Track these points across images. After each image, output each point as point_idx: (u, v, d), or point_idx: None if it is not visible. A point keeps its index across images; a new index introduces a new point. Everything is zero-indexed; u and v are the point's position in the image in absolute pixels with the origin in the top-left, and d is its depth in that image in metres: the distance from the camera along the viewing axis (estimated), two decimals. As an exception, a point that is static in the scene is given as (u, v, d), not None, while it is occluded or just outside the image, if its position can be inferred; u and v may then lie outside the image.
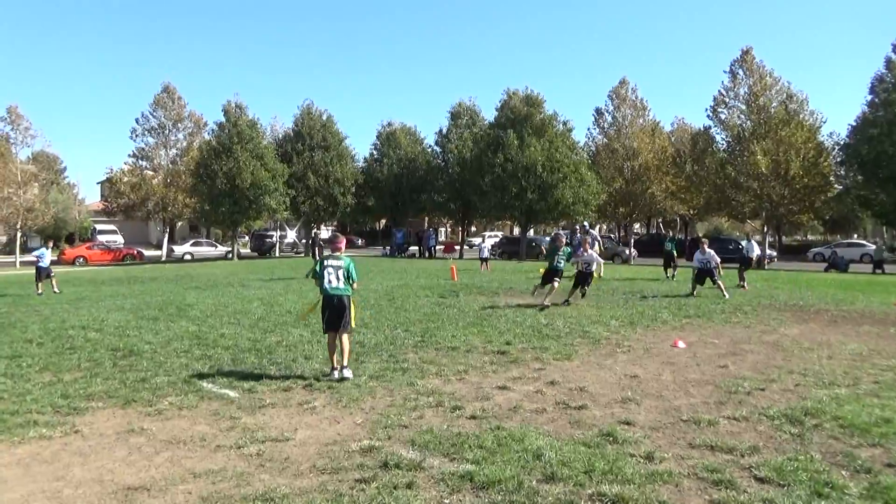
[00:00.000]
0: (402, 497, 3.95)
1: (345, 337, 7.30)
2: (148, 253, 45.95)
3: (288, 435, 5.22)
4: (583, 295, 14.77)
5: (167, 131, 45.98)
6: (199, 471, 4.45)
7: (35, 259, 19.04)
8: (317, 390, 6.63)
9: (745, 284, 18.61)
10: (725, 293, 15.62)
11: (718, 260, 16.67)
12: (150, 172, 46.17)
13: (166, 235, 46.98)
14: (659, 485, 4.15)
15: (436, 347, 9.02)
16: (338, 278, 7.33)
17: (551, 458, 4.54)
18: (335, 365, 7.24)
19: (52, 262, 19.51)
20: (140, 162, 46.11)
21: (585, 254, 14.67)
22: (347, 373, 7.13)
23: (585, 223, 41.31)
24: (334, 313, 7.28)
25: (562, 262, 14.19)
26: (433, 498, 3.97)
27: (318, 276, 7.48)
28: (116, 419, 5.73)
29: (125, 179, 45.57)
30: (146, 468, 4.55)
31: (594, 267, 14.63)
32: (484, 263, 27.10)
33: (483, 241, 30.63)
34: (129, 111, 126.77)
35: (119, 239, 51.26)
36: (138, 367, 7.80)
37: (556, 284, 13.77)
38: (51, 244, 20.74)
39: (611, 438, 5.06)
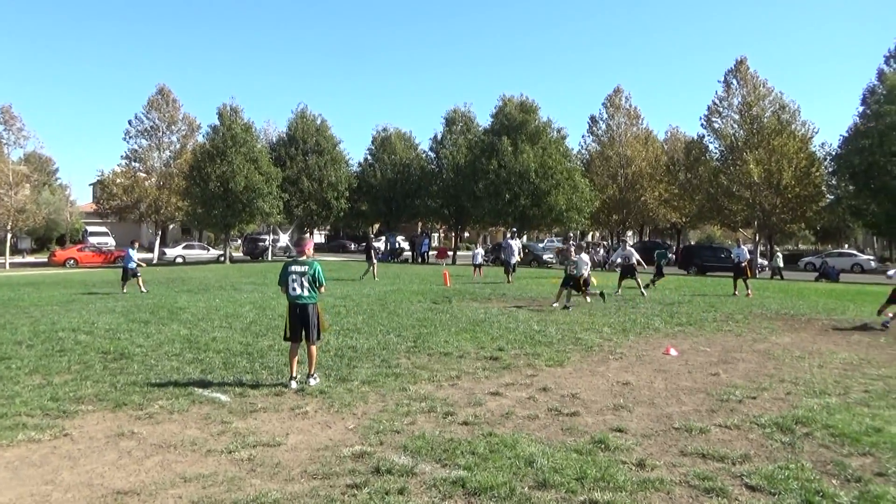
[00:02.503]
0: (393, 502, 3.94)
1: (312, 348, 7.05)
2: (139, 255, 45.69)
3: (279, 440, 5.20)
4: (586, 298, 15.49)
5: (161, 133, 45.78)
6: (189, 475, 4.43)
7: (122, 258, 19.68)
8: (308, 395, 6.61)
9: (750, 292, 18.76)
10: (643, 292, 17.59)
11: (637, 258, 18.29)
12: (143, 174, 45.95)
13: (158, 238, 46.76)
14: (650, 492, 4.16)
15: (428, 353, 9.01)
16: (301, 286, 7.00)
17: (543, 465, 4.54)
18: (294, 374, 6.99)
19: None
20: (133, 164, 45.85)
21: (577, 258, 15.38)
22: (313, 382, 6.93)
23: (569, 233, 41.60)
24: (297, 322, 7.01)
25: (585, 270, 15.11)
26: (425, 504, 3.96)
27: (283, 284, 7.17)
28: (106, 422, 5.69)
29: (118, 181, 45.34)
30: (136, 472, 4.52)
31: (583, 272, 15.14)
32: (477, 269, 27.18)
33: (476, 248, 30.73)
34: (122, 113, 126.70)
35: (111, 241, 50.95)
36: (129, 370, 7.75)
37: (588, 288, 15.08)
38: (136, 244, 20.94)
39: (603, 445, 5.06)
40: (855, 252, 49.06)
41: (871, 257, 46.93)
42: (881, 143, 31.06)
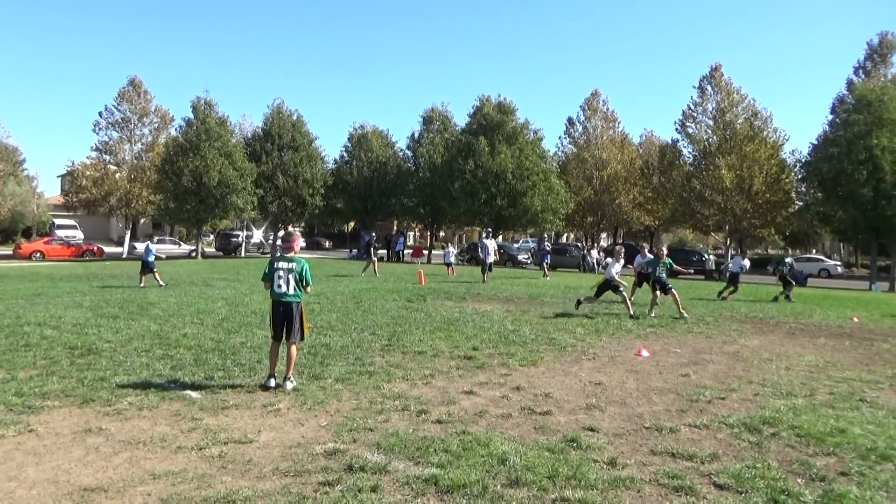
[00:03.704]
0: (366, 500, 3.92)
1: (292, 347, 6.86)
2: (108, 249, 44.91)
3: (251, 437, 5.14)
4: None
5: (132, 125, 45.02)
6: (158, 472, 4.36)
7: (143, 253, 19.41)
8: (281, 392, 6.55)
9: (728, 296, 19.12)
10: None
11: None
12: (114, 167, 45.12)
13: (128, 232, 45.96)
14: (621, 490, 4.21)
15: (402, 351, 8.99)
16: (287, 283, 6.78)
17: (516, 463, 4.57)
18: (273, 373, 6.76)
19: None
20: (103, 156, 45.00)
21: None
22: (289, 385, 6.71)
23: (544, 234, 41.64)
24: (281, 321, 6.84)
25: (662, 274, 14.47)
26: (398, 501, 3.95)
27: (268, 280, 6.92)
28: (73, 418, 5.57)
29: (87, 173, 44.48)
30: (104, 469, 4.44)
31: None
32: (449, 268, 27.41)
33: (448, 247, 30.86)
34: (93, 104, 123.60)
35: (79, 234, 49.92)
36: (97, 365, 7.61)
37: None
38: (155, 238, 21.04)
39: (575, 444, 5.10)
40: (822, 257, 50.16)
41: (838, 263, 48.04)
42: (849, 152, 31.76)
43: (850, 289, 29.60)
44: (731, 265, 21.30)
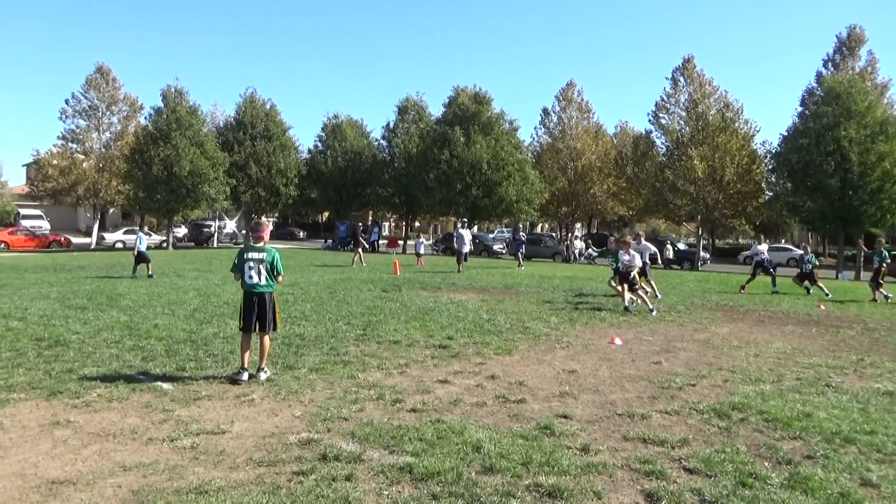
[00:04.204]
0: (340, 489, 3.91)
1: (265, 338, 6.80)
2: (76, 240, 43.99)
3: (224, 427, 5.10)
4: (635, 295, 13.61)
5: (100, 114, 44.03)
6: (129, 464, 4.30)
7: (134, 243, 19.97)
8: (254, 382, 6.49)
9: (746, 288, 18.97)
10: (649, 303, 15.48)
11: (652, 251, 16.43)
12: (81, 156, 44.14)
13: (97, 222, 45.06)
14: (594, 476, 4.26)
15: (377, 341, 8.98)
16: (259, 273, 6.68)
17: (490, 451, 4.59)
18: (245, 365, 6.61)
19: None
20: (70, 145, 43.98)
21: (627, 256, 13.54)
22: (263, 375, 6.65)
23: (519, 224, 41.58)
24: (252, 313, 6.68)
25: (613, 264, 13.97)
26: (372, 490, 3.95)
27: (237, 271, 6.80)
28: (40, 411, 5.46)
29: (54, 162, 43.48)
30: (72, 461, 4.36)
31: (635, 266, 13.64)
32: (419, 258, 27.74)
33: (419, 237, 31.11)
34: (60, 91, 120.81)
35: (45, 225, 48.80)
36: (65, 357, 7.46)
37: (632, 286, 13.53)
38: (146, 228, 20.75)
39: (548, 431, 5.15)
40: (791, 247, 51.13)
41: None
42: (818, 143, 32.33)
43: (820, 277, 30.19)
44: (755, 255, 21.18)
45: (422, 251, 28.44)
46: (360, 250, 26.00)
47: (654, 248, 16.30)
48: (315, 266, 24.86)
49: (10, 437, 4.81)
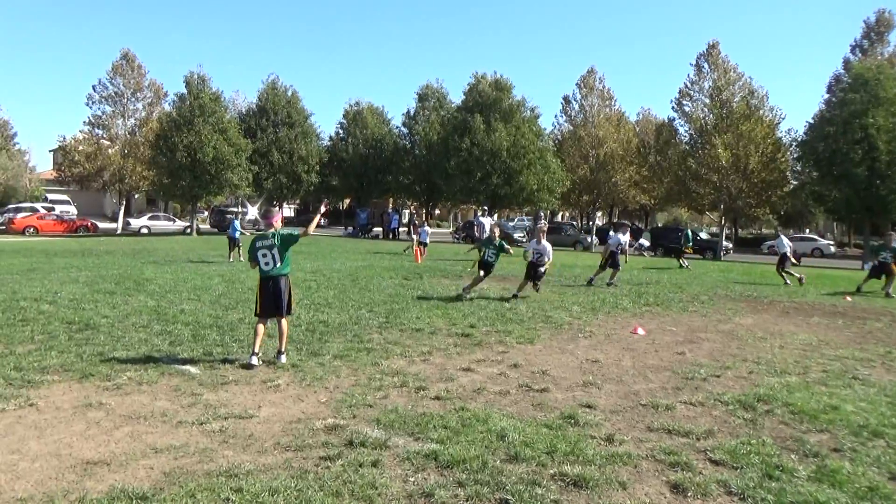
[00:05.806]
0: (367, 475, 3.97)
1: (283, 322, 6.91)
2: (102, 225, 44.69)
3: (251, 412, 5.18)
4: (536, 289, 13.21)
5: (125, 100, 44.46)
6: (160, 446, 4.39)
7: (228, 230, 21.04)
8: (280, 368, 6.58)
9: (790, 281, 18.41)
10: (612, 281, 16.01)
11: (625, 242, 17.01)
12: (107, 142, 44.69)
13: (122, 208, 45.70)
14: (618, 466, 4.26)
15: (400, 329, 9.03)
16: (273, 258, 6.82)
17: (514, 439, 4.62)
18: (256, 350, 6.68)
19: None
20: (96, 130, 44.53)
21: (539, 245, 13.12)
22: (283, 358, 6.79)
23: (540, 212, 41.37)
24: (269, 298, 6.85)
25: (493, 257, 12.84)
26: (398, 476, 4.00)
27: (252, 260, 6.96)
28: (73, 393, 5.59)
29: (80, 148, 44.03)
30: (105, 443, 4.47)
31: (546, 260, 13.13)
32: (423, 248, 26.60)
33: (424, 226, 29.99)
34: (87, 77, 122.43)
35: (72, 209, 49.56)
36: (95, 340, 7.61)
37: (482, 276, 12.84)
38: (238, 216, 22.52)
39: (572, 421, 5.16)
40: (815, 237, 50.35)
41: (831, 242, 48.25)
42: (844, 131, 31.71)
43: (843, 268, 29.74)
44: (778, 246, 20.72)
45: (425, 239, 24.90)
46: (415, 238, 25.11)
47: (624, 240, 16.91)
48: (337, 253, 24.95)
49: (45, 418, 4.94)
